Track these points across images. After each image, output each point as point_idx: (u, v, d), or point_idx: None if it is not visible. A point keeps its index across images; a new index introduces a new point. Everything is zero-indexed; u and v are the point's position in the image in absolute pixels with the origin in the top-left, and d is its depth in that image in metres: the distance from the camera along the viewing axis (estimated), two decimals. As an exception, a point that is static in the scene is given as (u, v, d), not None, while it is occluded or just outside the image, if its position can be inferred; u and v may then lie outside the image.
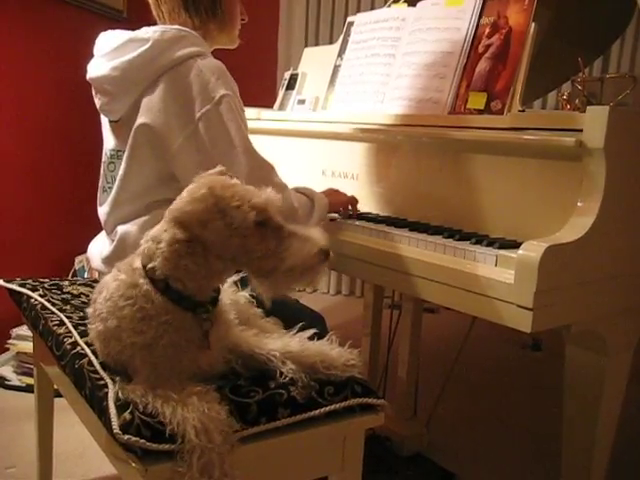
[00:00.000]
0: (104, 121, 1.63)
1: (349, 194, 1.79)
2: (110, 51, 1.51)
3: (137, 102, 1.48)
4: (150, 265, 1.05)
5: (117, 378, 1.08)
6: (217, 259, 1.04)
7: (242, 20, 1.66)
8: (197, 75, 1.42)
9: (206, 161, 1.42)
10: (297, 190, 1.61)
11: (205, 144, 1.42)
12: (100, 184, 1.63)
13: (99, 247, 1.61)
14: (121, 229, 1.51)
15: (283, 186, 1.53)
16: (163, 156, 1.46)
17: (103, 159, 1.63)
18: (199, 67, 1.43)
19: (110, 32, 1.57)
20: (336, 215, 1.75)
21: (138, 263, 1.08)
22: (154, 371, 1.04)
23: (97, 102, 1.56)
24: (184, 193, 1.06)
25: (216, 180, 1.05)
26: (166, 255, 1.03)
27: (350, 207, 1.77)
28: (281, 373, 1.11)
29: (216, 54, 1.60)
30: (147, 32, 1.49)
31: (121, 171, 1.52)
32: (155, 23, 1.58)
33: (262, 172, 1.49)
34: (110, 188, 1.56)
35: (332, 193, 1.75)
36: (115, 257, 1.44)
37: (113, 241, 1.53)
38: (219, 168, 1.13)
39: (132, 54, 1.47)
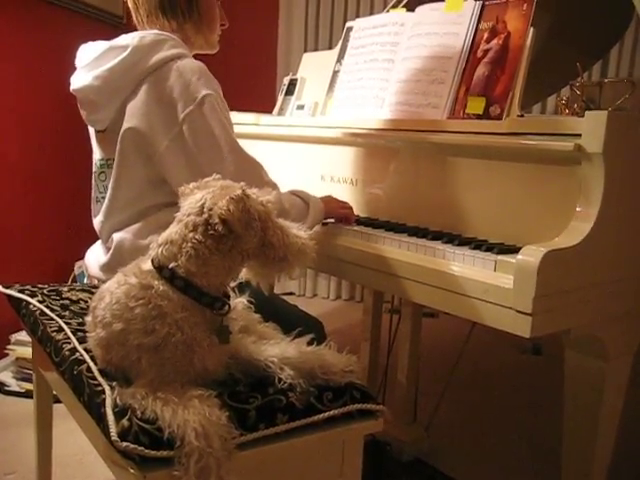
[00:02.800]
0: (91, 132, 1.64)
1: (349, 202, 1.78)
2: (91, 61, 1.51)
3: (121, 109, 1.49)
4: (172, 265, 1.07)
5: (114, 384, 1.08)
6: (239, 254, 1.08)
7: (222, 26, 1.67)
8: (178, 77, 1.43)
9: (193, 162, 1.43)
10: (293, 192, 1.60)
11: (191, 146, 1.43)
12: (93, 195, 1.63)
13: (96, 255, 1.61)
14: (116, 237, 1.51)
15: (273, 185, 1.53)
16: (151, 159, 1.47)
17: (93, 170, 1.63)
18: (179, 69, 1.44)
19: (90, 43, 1.58)
20: (331, 220, 1.74)
21: (149, 266, 1.10)
22: (160, 373, 1.05)
23: (82, 113, 1.57)
24: (214, 190, 1.08)
25: (231, 183, 1.11)
26: (192, 253, 1.05)
27: (345, 220, 1.73)
28: (279, 379, 1.11)
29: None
30: (126, 39, 1.50)
31: (112, 179, 1.52)
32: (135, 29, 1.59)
33: (250, 171, 1.49)
34: (103, 198, 1.57)
35: (330, 201, 1.73)
36: (113, 264, 1.44)
37: (109, 249, 1.53)
38: (214, 176, 1.16)
39: (112, 62, 1.47)
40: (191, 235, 1.06)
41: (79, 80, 1.53)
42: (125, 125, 1.47)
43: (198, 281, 1.07)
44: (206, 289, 1.08)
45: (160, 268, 1.08)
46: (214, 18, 1.63)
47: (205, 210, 1.05)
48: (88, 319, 1.19)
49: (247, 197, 1.06)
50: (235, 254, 1.08)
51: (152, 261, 1.10)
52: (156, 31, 1.52)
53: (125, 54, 1.46)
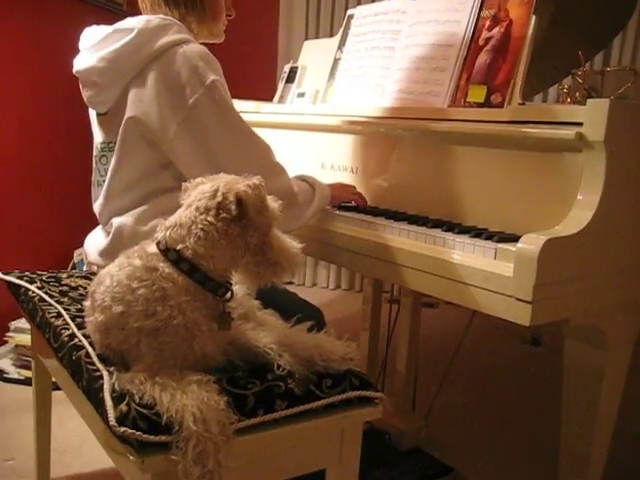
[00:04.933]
0: (92, 115, 1.63)
1: (358, 190, 1.79)
2: (96, 43, 1.51)
3: (125, 93, 1.48)
4: (179, 246, 1.08)
5: (113, 369, 1.08)
6: (242, 245, 1.10)
7: (228, 16, 1.65)
8: (184, 61, 1.42)
9: (204, 146, 1.43)
10: (300, 177, 1.61)
11: (200, 130, 1.43)
12: (93, 179, 1.63)
13: (95, 241, 1.61)
14: (116, 221, 1.51)
15: (280, 167, 1.54)
16: (159, 146, 1.46)
17: (94, 153, 1.63)
18: (185, 53, 1.43)
19: (95, 27, 1.57)
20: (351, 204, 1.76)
21: (154, 249, 1.10)
22: (159, 358, 1.05)
23: (84, 95, 1.56)
24: (227, 179, 1.11)
25: (241, 178, 1.13)
26: (201, 235, 1.07)
27: (355, 203, 1.76)
28: (278, 366, 1.11)
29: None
30: (131, 22, 1.49)
31: (113, 162, 1.52)
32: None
33: (259, 153, 1.50)
34: (104, 182, 1.56)
35: (339, 187, 1.75)
36: (112, 249, 1.44)
37: (109, 234, 1.52)
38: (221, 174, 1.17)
39: (118, 44, 1.47)
40: (202, 217, 1.07)
41: (83, 61, 1.53)
42: (129, 112, 1.46)
43: (204, 264, 1.08)
44: (211, 274, 1.09)
45: (166, 251, 1.09)
46: (218, 10, 1.62)
47: (219, 194, 1.07)
48: (87, 304, 1.19)
49: (263, 187, 1.09)
50: (240, 243, 1.09)
51: (157, 244, 1.10)
52: (162, 16, 1.51)
53: (131, 36, 1.46)
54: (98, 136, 1.61)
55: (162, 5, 1.55)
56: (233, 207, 1.06)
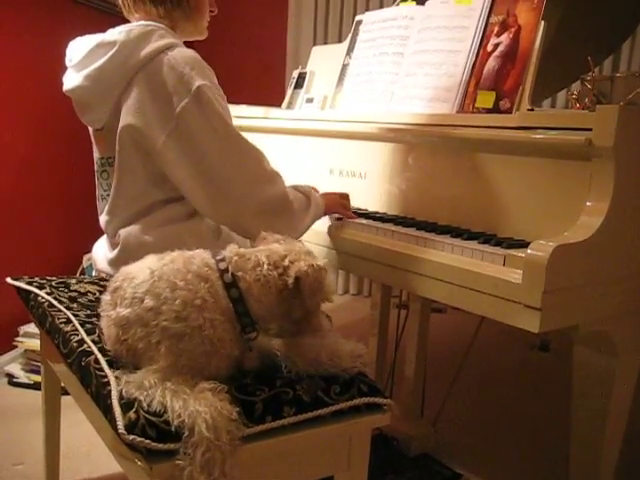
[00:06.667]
0: (90, 131, 1.63)
1: (353, 195, 1.78)
2: (80, 60, 1.49)
3: (117, 107, 1.47)
4: (239, 273, 1.11)
5: (120, 372, 1.08)
6: (287, 310, 1.13)
7: (211, 12, 1.64)
8: (170, 69, 1.40)
9: (193, 156, 1.41)
10: (294, 187, 1.60)
11: (189, 139, 1.40)
12: (97, 193, 1.63)
13: (103, 250, 1.61)
14: (123, 232, 1.51)
15: (273, 174, 1.51)
16: (149, 155, 1.45)
17: (95, 168, 1.62)
18: (170, 61, 1.41)
19: (78, 39, 1.56)
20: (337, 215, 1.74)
21: (213, 263, 1.13)
22: (175, 363, 1.04)
23: (77, 114, 1.55)
24: (297, 249, 1.15)
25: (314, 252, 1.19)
26: (261, 279, 1.10)
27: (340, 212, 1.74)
28: (286, 366, 1.12)
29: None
30: (113, 34, 1.47)
31: (114, 179, 1.52)
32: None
33: (251, 160, 1.47)
34: (108, 196, 1.56)
35: (332, 198, 1.72)
36: (121, 259, 1.43)
37: (117, 244, 1.52)
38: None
39: (101, 60, 1.45)
40: (270, 267, 1.11)
41: (70, 81, 1.52)
42: (122, 123, 1.45)
43: (251, 302, 1.10)
44: (251, 312, 1.11)
45: (225, 271, 1.11)
46: (203, 6, 1.60)
47: (287, 260, 1.11)
48: (106, 298, 1.18)
49: (325, 271, 1.13)
50: (285, 308, 1.12)
51: (219, 260, 1.12)
52: (143, 22, 1.49)
53: (113, 51, 1.44)
54: (96, 152, 1.61)
55: (147, 2, 1.52)
56: (291, 281, 1.09)
